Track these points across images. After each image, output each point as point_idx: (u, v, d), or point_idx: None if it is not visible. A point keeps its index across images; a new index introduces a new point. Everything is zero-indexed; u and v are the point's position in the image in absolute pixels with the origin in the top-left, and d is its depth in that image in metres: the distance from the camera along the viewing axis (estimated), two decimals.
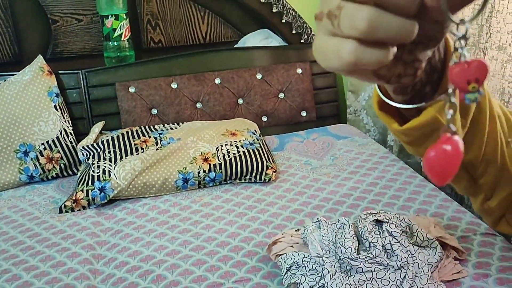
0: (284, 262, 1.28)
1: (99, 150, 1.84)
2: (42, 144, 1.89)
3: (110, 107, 2.12)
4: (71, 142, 1.95)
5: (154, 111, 2.12)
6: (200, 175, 1.79)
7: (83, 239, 1.52)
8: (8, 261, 1.42)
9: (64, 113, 1.99)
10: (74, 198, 1.69)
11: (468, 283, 1.22)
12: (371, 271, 1.20)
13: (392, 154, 1.99)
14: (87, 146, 1.87)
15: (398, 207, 1.59)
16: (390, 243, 1.24)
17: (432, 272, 1.22)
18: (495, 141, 0.58)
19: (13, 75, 1.99)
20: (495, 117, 0.57)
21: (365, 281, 1.18)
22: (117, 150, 1.81)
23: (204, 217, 1.62)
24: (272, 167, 1.84)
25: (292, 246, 1.36)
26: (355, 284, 1.17)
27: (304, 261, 1.24)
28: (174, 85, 2.14)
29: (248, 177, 1.82)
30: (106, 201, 1.71)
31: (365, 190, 1.72)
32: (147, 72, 2.15)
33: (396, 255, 1.22)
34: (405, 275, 1.19)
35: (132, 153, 1.80)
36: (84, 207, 1.70)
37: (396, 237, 1.25)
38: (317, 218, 1.39)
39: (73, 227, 1.59)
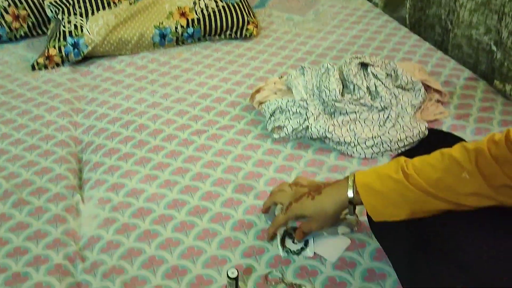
0: (268, 107, 1.26)
1: (68, 5, 1.71)
2: (6, 0, 1.76)
3: None
4: None
5: None
6: (177, 30, 1.71)
7: (60, 94, 1.47)
8: None
9: None
10: (46, 54, 1.61)
11: (450, 122, 1.23)
12: (355, 112, 1.20)
13: (376, 8, 1.92)
14: (55, 1, 1.74)
15: (383, 56, 1.56)
16: (375, 85, 1.23)
17: (415, 113, 1.23)
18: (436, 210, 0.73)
19: None
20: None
21: (348, 121, 1.18)
22: (87, 4, 1.69)
23: (184, 72, 1.58)
24: (253, 22, 1.76)
25: (275, 93, 1.34)
26: (339, 125, 1.17)
27: (288, 105, 1.23)
28: None
29: (228, 32, 1.75)
30: (80, 58, 1.64)
31: (349, 43, 1.67)
32: None
33: (380, 96, 1.22)
34: (389, 115, 1.19)
35: (104, 8, 1.69)
36: (58, 64, 1.62)
37: (380, 79, 1.24)
38: (301, 66, 1.35)
39: (49, 83, 1.53)
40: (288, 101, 1.24)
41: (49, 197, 1.07)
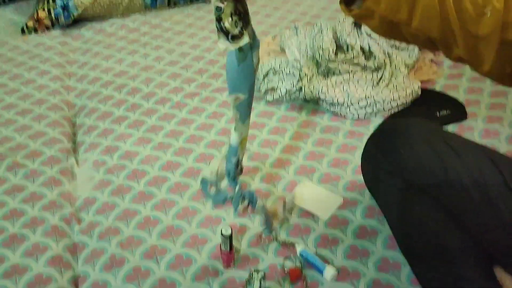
0: (261, 69, 1.25)
1: None
2: None
3: None
4: None
5: None
6: None
7: (52, 58, 1.45)
8: None
9: None
10: (36, 17, 1.58)
11: (443, 82, 1.23)
12: (348, 72, 1.19)
13: None
14: None
15: None
16: (369, 45, 1.22)
17: (408, 73, 1.22)
18: (452, 14, 0.57)
19: None
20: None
21: (342, 82, 1.18)
22: None
23: (176, 35, 1.55)
24: None
25: (269, 54, 1.33)
26: (332, 85, 1.17)
27: (281, 66, 1.22)
28: None
29: None
30: (71, 21, 1.61)
31: None
32: None
33: (374, 56, 1.21)
34: (382, 75, 1.19)
35: None
36: (48, 28, 1.60)
37: (374, 39, 1.23)
38: (294, 25, 1.34)
39: (39, 47, 1.51)
40: (281, 62, 1.23)
41: (44, 160, 1.08)
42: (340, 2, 0.64)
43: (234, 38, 0.72)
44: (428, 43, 0.61)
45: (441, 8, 0.57)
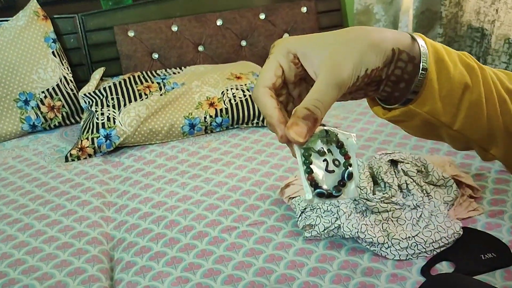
0: (298, 204, 1.27)
1: (101, 97, 1.79)
2: (43, 92, 1.84)
3: (109, 52, 2.06)
4: (71, 90, 1.90)
5: (155, 55, 2.06)
6: (206, 120, 1.75)
7: (92, 187, 1.50)
8: (18, 210, 1.41)
9: (63, 60, 1.92)
10: (79, 146, 1.66)
11: (484, 220, 1.21)
12: (387, 211, 1.19)
13: None
14: (89, 93, 1.82)
15: (411, 146, 1.57)
16: (406, 183, 1.23)
17: (448, 210, 1.21)
18: (496, 117, 0.53)
19: (6, 21, 1.90)
20: (492, 97, 0.52)
21: (381, 221, 1.17)
22: (120, 96, 1.76)
23: (213, 162, 1.60)
24: None
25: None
26: (371, 224, 1.16)
27: (319, 203, 1.23)
28: (174, 28, 2.06)
29: (255, 121, 1.79)
30: (112, 148, 1.69)
31: (375, 131, 1.69)
32: (146, 14, 2.07)
33: (412, 194, 1.21)
34: (421, 214, 1.18)
35: (136, 99, 1.75)
36: (90, 155, 1.67)
37: (411, 177, 1.24)
38: None
39: (81, 176, 1.57)
40: None
41: None
42: (372, 106, 0.56)
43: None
44: (466, 144, 0.56)
45: (486, 111, 0.52)
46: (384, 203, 1.20)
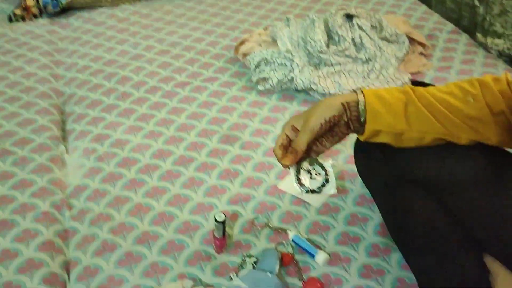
0: (253, 59, 1.26)
1: None
2: None
3: None
4: None
5: None
6: None
7: (40, 46, 1.44)
8: None
9: None
10: (23, 5, 1.56)
11: (432, 75, 1.25)
12: (340, 64, 1.20)
13: None
14: None
15: (368, 9, 1.55)
16: (360, 37, 1.23)
17: (398, 65, 1.24)
18: (448, 117, 0.68)
19: None
20: (433, 104, 0.69)
21: (333, 73, 1.19)
22: None
23: (166, 24, 1.55)
24: None
25: (260, 45, 1.33)
26: (324, 76, 1.18)
27: (273, 57, 1.23)
28: None
29: None
30: (59, 9, 1.59)
31: None
32: None
33: (365, 48, 1.22)
34: (373, 67, 1.20)
35: None
36: (35, 16, 1.58)
37: (365, 31, 1.24)
38: (286, 17, 1.34)
39: (27, 35, 1.49)
40: (273, 52, 1.23)
41: (33, 148, 1.06)
42: (359, 136, 0.75)
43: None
44: (437, 140, 0.70)
45: (429, 111, 0.68)
46: (337, 55, 1.20)
